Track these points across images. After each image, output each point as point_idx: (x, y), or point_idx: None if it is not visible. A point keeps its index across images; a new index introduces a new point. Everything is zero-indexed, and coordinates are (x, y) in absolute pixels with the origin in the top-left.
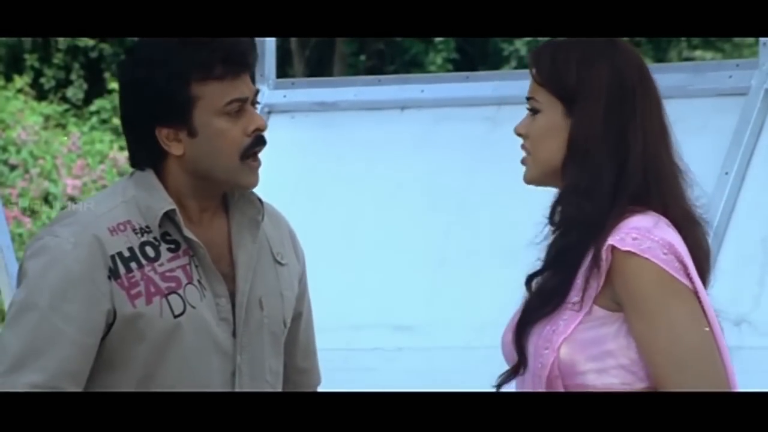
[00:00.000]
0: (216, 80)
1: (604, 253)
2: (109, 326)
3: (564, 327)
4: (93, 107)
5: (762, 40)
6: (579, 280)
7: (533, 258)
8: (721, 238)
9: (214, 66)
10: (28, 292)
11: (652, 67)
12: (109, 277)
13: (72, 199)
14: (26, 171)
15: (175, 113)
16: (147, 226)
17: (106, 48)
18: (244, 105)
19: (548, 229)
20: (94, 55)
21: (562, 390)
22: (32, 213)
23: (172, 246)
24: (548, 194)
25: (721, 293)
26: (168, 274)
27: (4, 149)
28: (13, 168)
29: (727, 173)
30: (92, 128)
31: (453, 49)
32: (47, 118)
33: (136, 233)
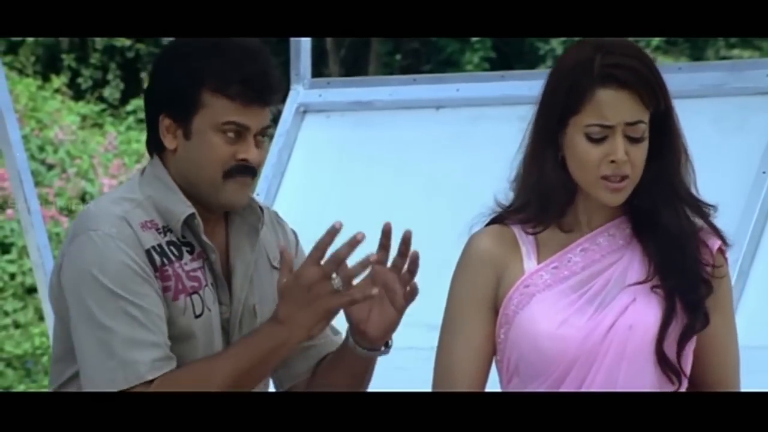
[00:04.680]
0: (227, 98)
1: (714, 256)
2: None
3: None
4: (129, 107)
5: None
6: None
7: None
8: (758, 237)
9: (231, 83)
10: (91, 288)
11: (688, 65)
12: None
13: None
14: (63, 170)
15: (179, 108)
16: (167, 227)
17: (143, 48)
18: (244, 133)
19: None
20: (130, 55)
21: None
22: (69, 212)
23: (189, 248)
24: None
25: (759, 294)
26: (192, 273)
27: (42, 149)
28: (50, 167)
29: (764, 172)
30: (129, 128)
31: (488, 48)
32: (84, 117)
33: (160, 233)
